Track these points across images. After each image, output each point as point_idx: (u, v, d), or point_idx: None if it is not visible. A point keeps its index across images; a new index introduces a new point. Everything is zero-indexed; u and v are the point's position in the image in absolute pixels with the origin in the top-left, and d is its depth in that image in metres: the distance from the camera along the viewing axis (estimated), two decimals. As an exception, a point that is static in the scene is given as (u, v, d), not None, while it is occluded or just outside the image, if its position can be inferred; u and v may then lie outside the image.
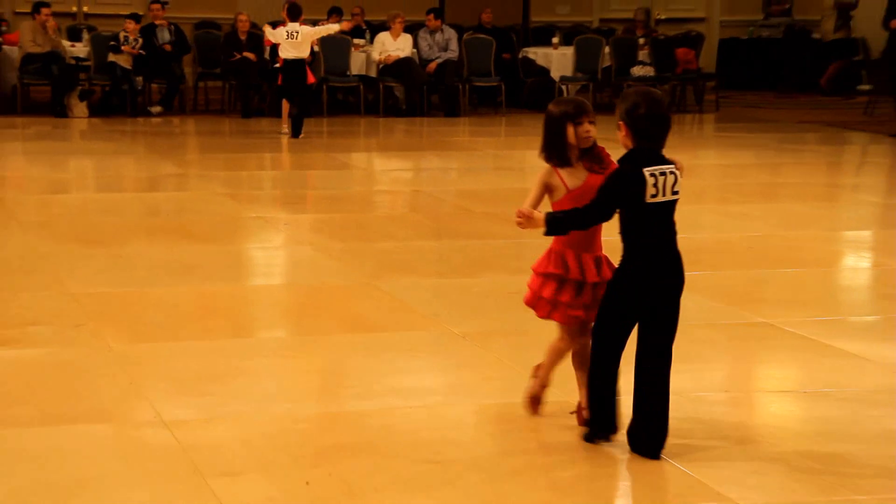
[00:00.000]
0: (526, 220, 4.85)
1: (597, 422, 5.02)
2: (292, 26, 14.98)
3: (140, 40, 17.03)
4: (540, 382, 5.32)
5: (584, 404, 5.10)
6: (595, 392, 5.00)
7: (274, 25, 15.38)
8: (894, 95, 16.27)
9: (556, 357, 5.27)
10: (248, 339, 6.90)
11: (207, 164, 13.62)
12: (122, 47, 16.92)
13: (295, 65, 15.14)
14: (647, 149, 4.82)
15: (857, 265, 9.31)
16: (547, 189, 5.06)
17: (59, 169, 13.40)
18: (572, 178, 4.97)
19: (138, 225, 10.10)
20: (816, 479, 4.77)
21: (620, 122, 4.83)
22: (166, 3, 19.17)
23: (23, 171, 13.39)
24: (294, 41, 15.00)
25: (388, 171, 13.98)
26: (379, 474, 4.74)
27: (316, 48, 16.87)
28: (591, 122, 4.99)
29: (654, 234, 4.84)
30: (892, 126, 16.18)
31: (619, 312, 4.91)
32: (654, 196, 4.76)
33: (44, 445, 5.03)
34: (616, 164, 4.95)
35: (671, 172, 4.80)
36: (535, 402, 5.33)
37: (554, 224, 4.85)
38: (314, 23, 16.29)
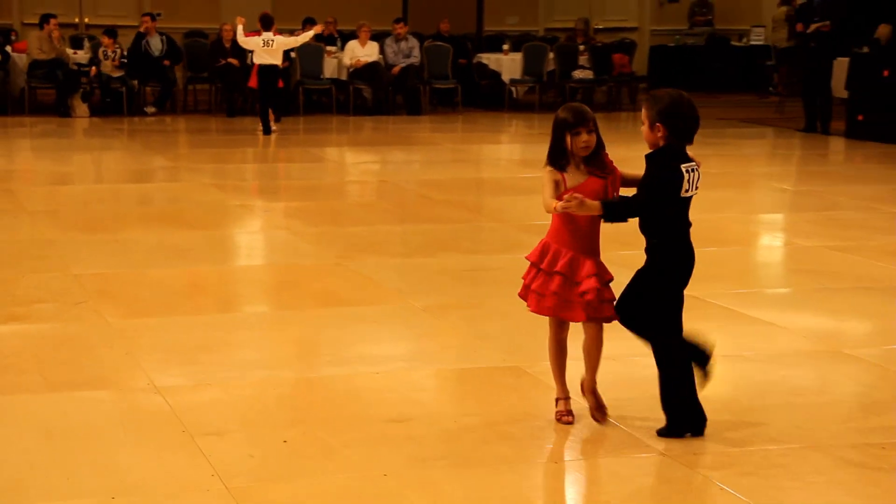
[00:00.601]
0: (578, 204, 4.57)
1: (682, 421, 4.71)
2: (266, 35, 15.00)
3: (119, 51, 17.01)
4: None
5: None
6: (676, 392, 4.69)
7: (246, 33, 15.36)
8: (801, 96, 16.35)
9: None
10: (232, 313, 6.87)
11: (196, 158, 13.55)
12: (104, 61, 16.94)
13: (269, 70, 15.14)
14: (677, 146, 4.63)
15: (770, 244, 9.37)
16: (554, 185, 4.78)
17: (64, 163, 13.31)
18: (572, 180, 4.73)
19: (134, 213, 10.05)
20: (734, 430, 4.80)
21: (657, 123, 4.60)
22: (158, 15, 19.09)
23: (31, 165, 13.30)
24: (269, 48, 15.02)
25: (357, 163, 13.95)
26: (349, 432, 4.74)
27: (293, 54, 16.81)
28: (589, 132, 4.71)
29: (683, 225, 4.68)
30: (799, 122, 16.27)
31: (676, 304, 4.71)
32: (686, 191, 4.61)
33: (50, 410, 5.01)
34: (618, 170, 4.81)
35: (696, 169, 4.68)
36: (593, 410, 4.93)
37: (611, 209, 4.63)
38: (291, 31, 16.24)
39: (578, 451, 4.63)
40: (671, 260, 4.69)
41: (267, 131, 15.11)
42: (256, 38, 15.08)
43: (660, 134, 4.63)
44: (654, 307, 4.69)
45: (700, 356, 4.77)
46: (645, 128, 4.68)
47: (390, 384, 5.39)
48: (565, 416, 4.84)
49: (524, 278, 4.88)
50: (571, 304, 4.72)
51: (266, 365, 5.74)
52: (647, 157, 4.69)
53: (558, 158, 4.74)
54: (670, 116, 4.62)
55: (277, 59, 15.23)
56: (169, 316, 6.57)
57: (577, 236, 4.76)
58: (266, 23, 15.10)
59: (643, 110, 4.69)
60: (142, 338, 6.09)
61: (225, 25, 17.86)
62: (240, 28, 15.29)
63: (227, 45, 17.55)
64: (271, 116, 15.36)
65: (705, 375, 4.76)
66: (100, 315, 6.51)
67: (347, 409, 5.05)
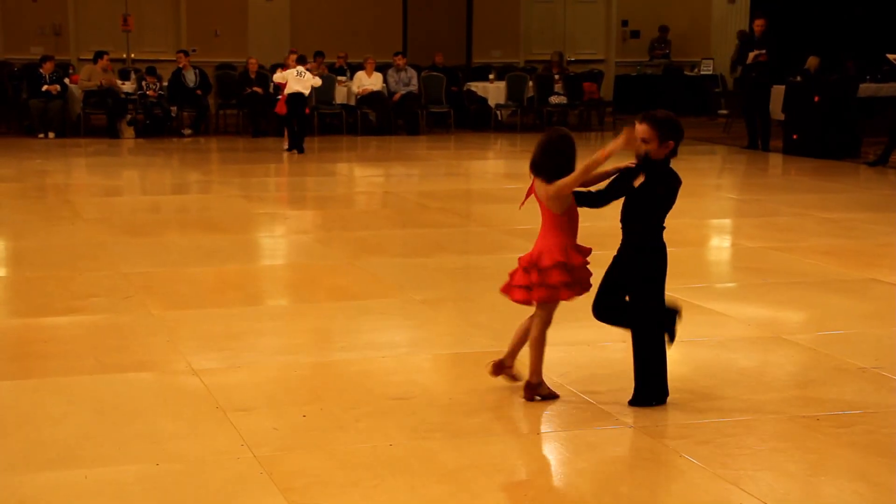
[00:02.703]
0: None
1: (651, 392, 4.71)
2: (300, 68, 15.22)
3: (158, 84, 17.13)
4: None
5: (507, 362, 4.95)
6: (651, 365, 4.67)
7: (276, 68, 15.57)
8: (745, 117, 16.33)
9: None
10: (257, 306, 6.85)
11: (226, 173, 13.52)
12: (148, 92, 17.03)
13: (298, 97, 15.21)
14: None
15: (720, 245, 9.36)
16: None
17: (113, 178, 13.28)
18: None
19: (173, 220, 10.02)
20: (691, 405, 4.79)
21: (669, 140, 4.59)
22: (193, 51, 19.09)
23: (85, 179, 13.26)
24: (301, 79, 15.18)
25: (364, 176, 13.92)
26: (359, 408, 4.72)
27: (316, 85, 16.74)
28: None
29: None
30: (743, 140, 16.26)
31: (661, 287, 4.69)
32: None
33: (102, 389, 4.99)
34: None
35: None
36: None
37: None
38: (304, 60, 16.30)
39: (557, 423, 4.61)
40: (657, 250, 4.67)
41: (293, 147, 15.17)
42: (291, 70, 15.31)
43: (669, 149, 4.61)
44: (646, 301, 4.66)
45: (670, 318, 4.78)
46: (654, 145, 4.59)
47: (394, 367, 5.38)
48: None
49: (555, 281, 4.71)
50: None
51: (287, 350, 5.71)
52: (657, 164, 4.62)
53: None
54: (678, 133, 4.64)
55: (306, 89, 15.34)
56: (203, 308, 6.55)
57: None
58: (302, 60, 15.52)
59: (648, 129, 4.60)
60: (180, 327, 6.07)
61: (251, 59, 17.90)
62: (277, 74, 15.67)
63: (253, 76, 17.57)
64: (286, 139, 15.43)
65: (672, 337, 4.77)
66: (145, 307, 6.48)
67: (358, 388, 5.03)
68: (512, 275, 4.87)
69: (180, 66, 17.61)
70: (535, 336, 4.78)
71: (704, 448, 4.29)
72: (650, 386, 4.71)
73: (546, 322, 4.79)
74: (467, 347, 5.72)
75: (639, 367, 4.71)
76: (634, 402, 4.71)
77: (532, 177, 4.80)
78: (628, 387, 4.83)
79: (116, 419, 4.58)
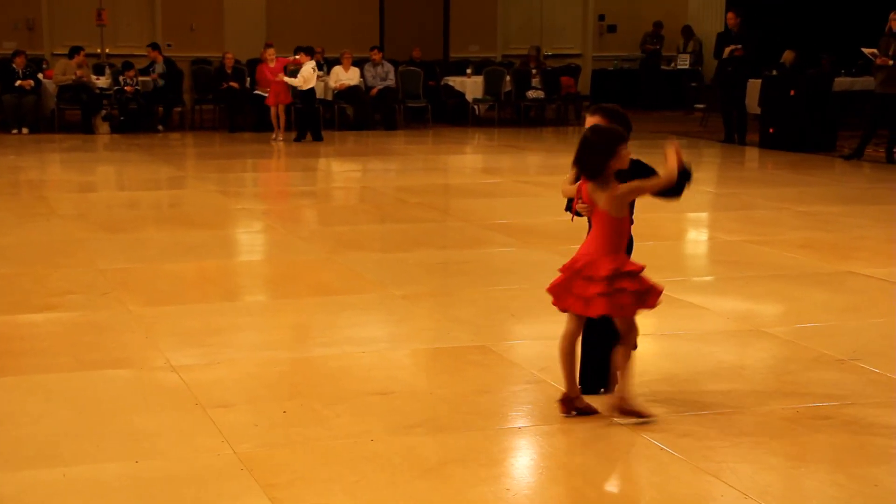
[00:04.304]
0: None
1: (598, 379, 4.73)
2: (313, 63, 16.10)
3: (136, 79, 17.08)
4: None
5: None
6: (596, 355, 4.67)
7: (291, 73, 16.11)
8: (722, 111, 16.40)
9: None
10: (236, 302, 6.82)
11: (202, 168, 13.47)
12: (125, 87, 16.96)
13: (313, 91, 16.15)
14: None
15: (697, 238, 9.39)
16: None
17: (89, 173, 13.20)
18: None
19: (150, 216, 9.96)
20: (671, 399, 4.80)
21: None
22: (168, 45, 19.02)
23: (61, 175, 13.18)
24: (315, 73, 16.12)
25: (342, 171, 13.90)
26: (339, 404, 4.70)
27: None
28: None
29: None
30: (720, 134, 16.33)
31: None
32: None
33: (80, 386, 4.96)
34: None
35: None
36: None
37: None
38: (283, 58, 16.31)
39: (538, 418, 4.61)
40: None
41: (314, 138, 15.96)
42: (308, 66, 15.94)
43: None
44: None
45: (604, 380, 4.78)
46: None
47: (374, 362, 5.36)
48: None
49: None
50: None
51: (267, 346, 5.69)
52: (638, 161, 4.60)
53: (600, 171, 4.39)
54: (629, 125, 4.64)
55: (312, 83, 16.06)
56: (182, 304, 6.52)
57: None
58: (309, 51, 16.19)
59: (602, 120, 4.56)
60: (159, 323, 6.03)
61: (227, 54, 17.84)
62: (297, 80, 16.05)
63: (229, 70, 17.52)
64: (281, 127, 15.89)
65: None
66: (122, 304, 6.45)
67: (338, 383, 5.02)
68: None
69: (152, 59, 17.55)
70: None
71: (685, 441, 4.30)
72: (598, 373, 4.72)
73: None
74: (447, 342, 5.72)
75: (586, 355, 4.70)
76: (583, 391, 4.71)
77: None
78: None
79: (95, 417, 4.55)
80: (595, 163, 4.39)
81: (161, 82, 17.35)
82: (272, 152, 14.92)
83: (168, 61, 17.63)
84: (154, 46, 17.80)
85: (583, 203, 4.50)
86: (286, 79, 15.90)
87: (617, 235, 4.44)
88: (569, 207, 4.74)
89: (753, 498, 3.77)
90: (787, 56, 16.15)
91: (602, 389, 4.76)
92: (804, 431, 4.44)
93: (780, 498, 3.80)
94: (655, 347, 5.63)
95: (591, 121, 4.62)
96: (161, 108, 17.58)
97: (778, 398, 4.84)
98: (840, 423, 4.53)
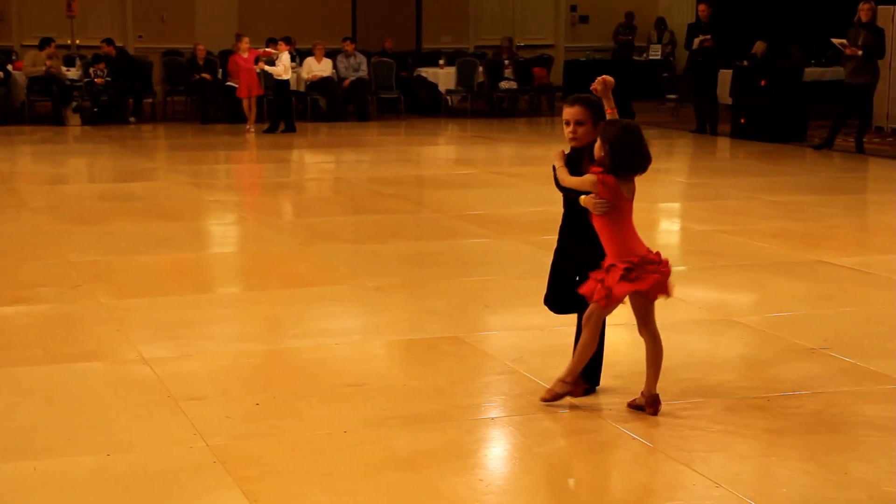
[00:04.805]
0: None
1: (595, 376, 4.74)
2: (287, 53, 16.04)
3: (106, 70, 16.92)
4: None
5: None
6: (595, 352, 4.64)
7: (268, 62, 15.99)
8: (693, 102, 16.45)
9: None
10: (209, 294, 6.79)
11: (174, 160, 13.39)
12: (96, 80, 16.84)
13: (287, 81, 16.11)
14: None
15: (669, 228, 9.42)
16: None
17: (60, 165, 13.11)
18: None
19: (121, 208, 9.88)
20: (639, 388, 4.80)
21: (601, 122, 4.51)
22: (140, 37, 18.89)
23: (31, 167, 13.07)
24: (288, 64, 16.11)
25: (315, 163, 13.86)
26: (313, 396, 4.69)
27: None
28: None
29: None
30: (691, 125, 16.38)
31: None
32: None
33: (51, 379, 4.92)
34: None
35: None
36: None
37: None
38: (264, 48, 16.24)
39: (511, 408, 4.61)
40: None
41: (282, 129, 15.89)
42: (285, 55, 15.92)
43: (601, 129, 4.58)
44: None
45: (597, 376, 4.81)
46: (588, 126, 4.55)
47: (348, 353, 5.35)
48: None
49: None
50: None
51: (240, 338, 5.67)
52: (592, 146, 4.56)
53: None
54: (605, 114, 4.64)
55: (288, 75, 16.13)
56: (154, 296, 6.48)
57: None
58: (287, 41, 16.25)
59: (582, 111, 4.56)
60: (131, 316, 6.00)
61: (199, 45, 17.75)
62: (276, 68, 15.91)
63: (201, 62, 17.43)
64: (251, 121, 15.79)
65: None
66: (94, 296, 6.40)
67: (311, 375, 5.01)
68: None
69: (103, 54, 17.43)
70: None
71: (657, 430, 4.31)
72: (587, 369, 4.71)
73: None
74: (421, 334, 5.71)
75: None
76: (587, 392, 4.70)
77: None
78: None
79: (66, 410, 4.52)
80: (638, 161, 4.44)
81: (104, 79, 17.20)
82: (244, 144, 14.86)
83: (119, 53, 17.44)
84: (108, 42, 17.59)
85: (600, 199, 4.43)
86: (267, 67, 15.82)
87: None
88: (569, 196, 4.64)
89: (725, 486, 3.79)
90: (759, 47, 16.23)
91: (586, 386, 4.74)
92: (775, 420, 4.47)
93: (752, 486, 3.82)
94: (627, 337, 5.63)
95: (569, 112, 4.60)
96: (131, 100, 17.44)
97: (749, 387, 4.87)
98: (811, 412, 4.56)
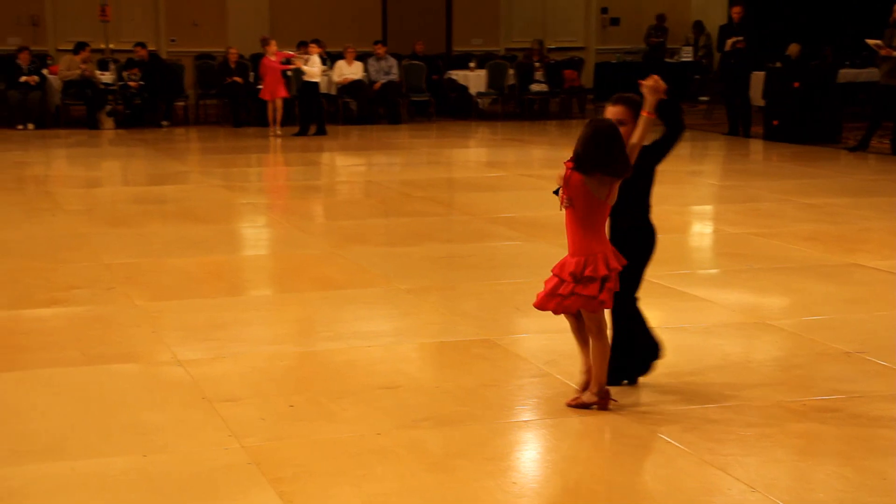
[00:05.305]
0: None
1: (622, 370, 4.74)
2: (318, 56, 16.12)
3: (139, 74, 17.05)
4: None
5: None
6: (632, 341, 4.71)
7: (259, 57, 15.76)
8: (726, 104, 16.37)
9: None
10: (242, 296, 6.82)
11: (207, 164, 13.47)
12: (129, 83, 16.96)
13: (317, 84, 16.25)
14: None
15: (702, 231, 9.38)
16: None
17: (94, 168, 13.21)
18: None
19: (155, 210, 9.95)
20: (676, 392, 4.79)
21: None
22: (173, 41, 18.99)
23: (66, 170, 13.19)
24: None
25: (346, 166, 13.89)
26: (345, 398, 4.71)
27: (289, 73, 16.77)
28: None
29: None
30: (724, 126, 16.30)
31: (643, 268, 4.74)
32: None
33: (86, 380, 4.96)
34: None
35: None
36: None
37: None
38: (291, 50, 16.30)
39: (544, 411, 4.61)
40: (651, 240, 4.69)
41: (314, 132, 16.01)
42: (315, 57, 15.99)
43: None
44: (627, 281, 4.62)
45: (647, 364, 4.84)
46: (630, 126, 4.54)
47: (380, 356, 5.36)
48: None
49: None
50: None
51: (273, 340, 5.69)
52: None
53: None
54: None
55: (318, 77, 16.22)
56: (187, 298, 6.52)
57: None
58: (320, 44, 16.30)
59: (624, 110, 4.57)
60: (165, 318, 6.04)
61: (231, 49, 17.84)
62: (310, 67, 16.01)
63: (233, 66, 17.50)
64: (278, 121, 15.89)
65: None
66: (128, 298, 6.45)
67: (344, 377, 5.02)
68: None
69: (138, 59, 17.56)
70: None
71: (691, 434, 4.29)
72: (620, 364, 4.72)
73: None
74: (453, 336, 5.71)
75: (615, 343, 4.70)
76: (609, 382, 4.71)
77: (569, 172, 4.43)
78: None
79: (102, 411, 4.55)
80: (607, 162, 4.37)
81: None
82: (276, 147, 14.92)
83: (152, 59, 17.57)
84: (141, 45, 17.73)
85: (562, 195, 4.46)
86: (304, 67, 15.88)
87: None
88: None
89: (760, 491, 3.77)
90: (793, 49, 16.11)
91: (625, 381, 4.76)
92: (811, 424, 4.43)
93: (787, 490, 3.79)
94: (662, 338, 5.62)
95: (612, 111, 4.61)
96: (164, 104, 17.55)
97: (784, 391, 4.84)
98: (847, 416, 4.53)
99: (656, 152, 4.69)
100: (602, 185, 4.39)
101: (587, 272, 4.40)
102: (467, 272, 7.24)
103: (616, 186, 4.44)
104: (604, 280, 4.39)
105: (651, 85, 4.50)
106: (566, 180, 4.40)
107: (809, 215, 9.45)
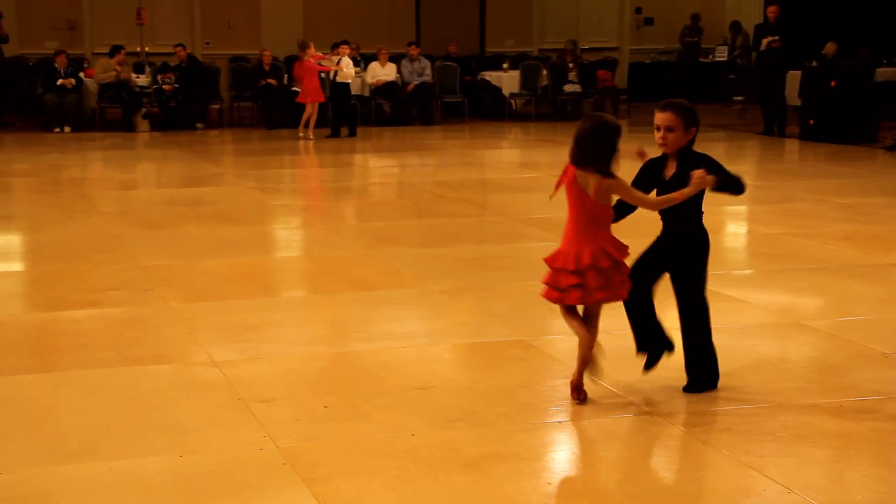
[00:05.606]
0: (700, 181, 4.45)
1: (710, 377, 4.76)
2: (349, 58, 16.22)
3: (173, 78, 17.20)
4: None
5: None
6: (701, 352, 4.71)
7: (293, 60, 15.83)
8: (761, 103, 16.27)
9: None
10: (275, 297, 6.86)
11: (241, 165, 13.54)
12: (164, 86, 17.11)
13: (348, 85, 16.34)
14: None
15: (736, 231, 9.32)
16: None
17: (129, 171, 13.31)
18: None
19: (190, 212, 10.02)
20: (711, 393, 4.76)
21: (692, 127, 4.61)
22: (207, 43, 19.08)
23: (102, 172, 13.30)
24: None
25: (379, 167, 13.92)
26: (379, 399, 4.72)
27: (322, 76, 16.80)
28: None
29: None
30: (759, 126, 16.20)
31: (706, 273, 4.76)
32: None
33: (123, 381, 5.00)
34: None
35: None
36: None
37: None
38: (324, 53, 16.34)
39: (578, 412, 4.60)
40: (708, 244, 4.70)
41: (350, 134, 16.14)
42: (346, 59, 16.05)
43: (692, 135, 4.61)
44: (697, 288, 4.67)
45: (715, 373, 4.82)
46: (679, 132, 4.55)
47: (414, 357, 5.37)
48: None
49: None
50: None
51: (307, 341, 5.72)
52: (689, 152, 4.62)
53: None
54: (698, 120, 4.66)
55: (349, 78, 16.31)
56: (222, 300, 6.56)
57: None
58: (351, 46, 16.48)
59: (673, 117, 4.55)
60: (200, 319, 6.07)
61: (265, 51, 17.92)
62: (343, 69, 16.11)
63: (267, 68, 17.58)
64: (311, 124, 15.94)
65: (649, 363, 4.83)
66: (164, 300, 6.50)
67: (378, 378, 5.03)
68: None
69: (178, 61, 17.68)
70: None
71: (727, 435, 4.27)
72: (708, 370, 4.74)
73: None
74: (486, 337, 5.71)
75: (690, 355, 4.70)
76: (688, 389, 4.71)
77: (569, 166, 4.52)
78: (650, 375, 4.83)
79: (138, 411, 4.59)
80: (596, 156, 4.44)
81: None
82: (309, 149, 14.97)
83: (189, 59, 17.68)
84: (181, 46, 17.87)
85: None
86: (345, 69, 15.94)
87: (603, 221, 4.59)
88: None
89: (797, 492, 3.74)
90: (830, 48, 15.99)
91: (666, 351, 4.79)
92: (848, 425, 4.40)
93: (824, 491, 3.77)
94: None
95: (661, 118, 4.59)
96: (198, 106, 17.66)
97: (821, 392, 4.80)
98: (884, 418, 4.49)
99: (717, 171, 4.63)
100: (597, 180, 4.42)
101: (557, 265, 4.51)
102: (500, 273, 7.24)
103: (610, 193, 4.44)
104: (578, 273, 4.42)
105: (697, 182, 4.45)
106: (564, 171, 4.48)
107: (845, 215, 9.37)
